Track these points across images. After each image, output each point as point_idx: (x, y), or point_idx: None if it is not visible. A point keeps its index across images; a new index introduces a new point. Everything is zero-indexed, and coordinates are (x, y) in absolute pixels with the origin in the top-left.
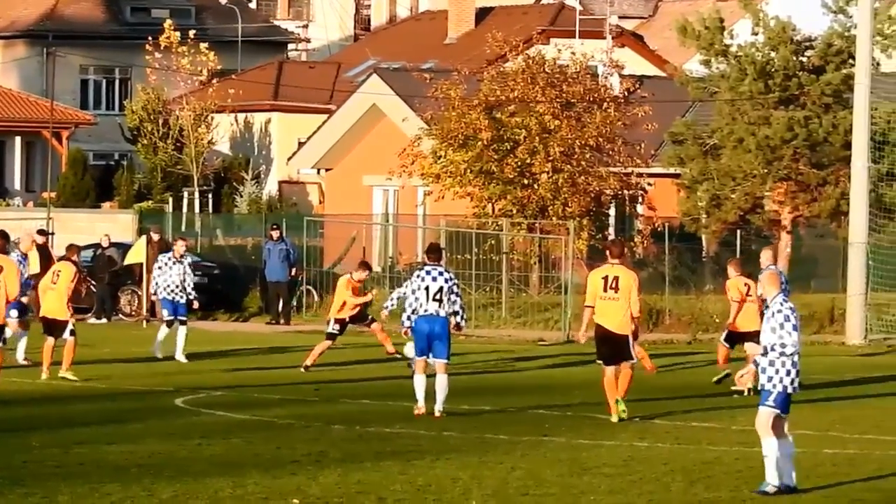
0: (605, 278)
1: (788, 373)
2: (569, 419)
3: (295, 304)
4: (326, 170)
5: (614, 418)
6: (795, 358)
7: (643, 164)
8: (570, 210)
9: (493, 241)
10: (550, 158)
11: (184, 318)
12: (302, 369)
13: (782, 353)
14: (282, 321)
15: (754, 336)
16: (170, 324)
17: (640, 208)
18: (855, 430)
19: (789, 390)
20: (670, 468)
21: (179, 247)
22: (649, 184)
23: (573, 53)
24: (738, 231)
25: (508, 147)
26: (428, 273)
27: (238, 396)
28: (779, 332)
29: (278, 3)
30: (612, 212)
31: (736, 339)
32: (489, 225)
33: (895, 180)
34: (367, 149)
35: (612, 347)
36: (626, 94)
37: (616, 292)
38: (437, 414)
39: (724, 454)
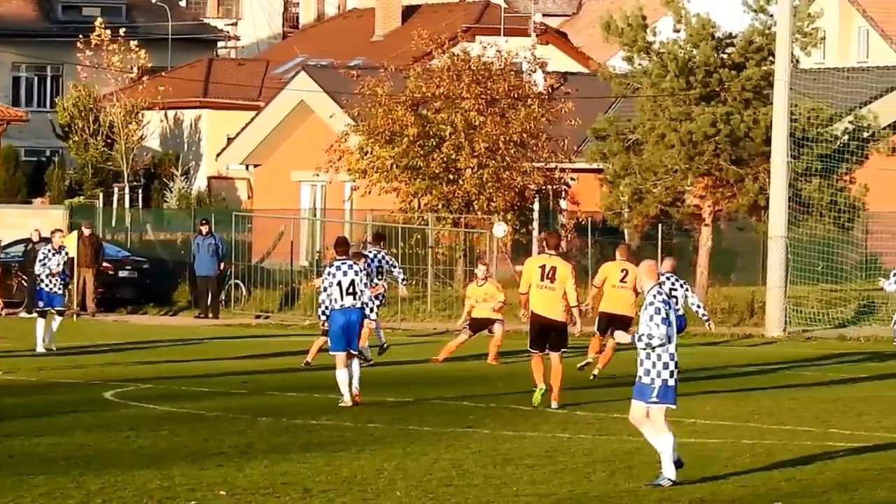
0: (542, 267)
1: (666, 365)
2: (492, 411)
3: (223, 298)
4: (255, 165)
5: (542, 386)
6: (671, 349)
7: (566, 159)
8: (494, 205)
9: (418, 236)
10: (475, 154)
11: (61, 310)
12: (303, 364)
13: (648, 345)
14: (210, 315)
15: (626, 320)
16: (43, 314)
17: (563, 203)
18: (773, 421)
19: (670, 383)
20: (592, 459)
21: (57, 238)
22: (572, 179)
23: (498, 51)
24: (660, 225)
25: (434, 143)
26: (338, 268)
27: (166, 389)
28: (648, 323)
29: (208, 1)
30: (535, 206)
31: (607, 323)
32: (415, 220)
33: (814, 176)
34: (295, 145)
35: (547, 336)
36: (549, 90)
37: (552, 282)
38: (355, 392)
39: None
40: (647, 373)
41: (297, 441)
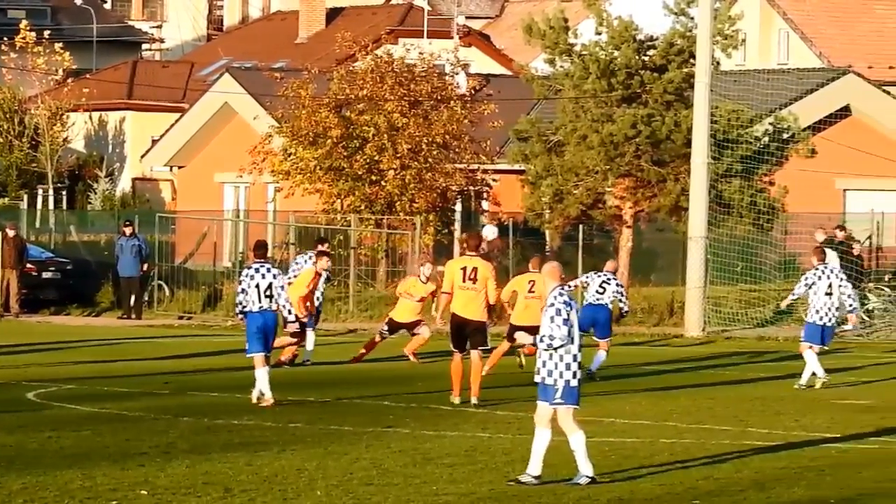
0: (464, 269)
1: (568, 366)
2: (412, 410)
3: (146, 298)
4: (179, 167)
5: (456, 400)
6: (574, 350)
7: (488, 160)
8: (416, 206)
9: (341, 237)
10: (398, 155)
11: None
12: (286, 365)
13: (550, 346)
14: (133, 316)
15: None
16: None
17: (485, 204)
18: (691, 420)
19: (573, 383)
20: (511, 458)
21: None
22: (494, 180)
23: (421, 53)
24: (581, 226)
25: (357, 144)
26: (257, 270)
27: (89, 389)
28: (549, 325)
29: (133, 3)
30: (458, 207)
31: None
32: (338, 221)
33: (734, 177)
34: (218, 146)
35: (466, 334)
36: (472, 92)
37: (474, 283)
38: (254, 401)
39: (563, 443)
40: (550, 373)
41: (218, 441)
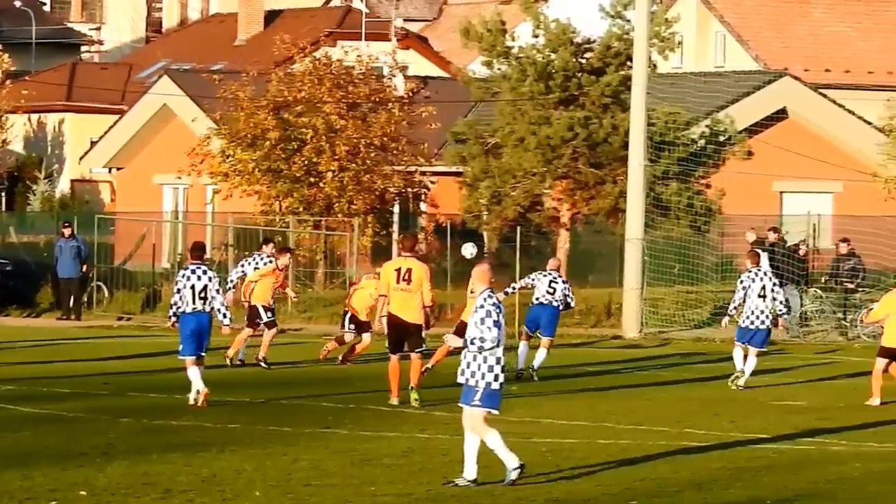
0: (398, 270)
1: (491, 368)
2: (351, 411)
3: (86, 299)
4: (118, 169)
5: (394, 401)
6: (499, 353)
7: (426, 162)
8: (355, 207)
9: (279, 238)
10: (336, 157)
11: None
12: (263, 365)
13: (481, 348)
14: (73, 316)
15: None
16: None
17: (423, 206)
18: (629, 421)
19: (494, 386)
20: (449, 459)
21: None
22: (432, 182)
23: (359, 55)
24: (518, 227)
25: (295, 146)
26: (193, 272)
27: (28, 390)
28: (479, 326)
29: (72, 5)
30: (396, 209)
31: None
32: (276, 222)
33: (672, 179)
34: (157, 148)
35: (403, 336)
36: (410, 94)
37: (409, 283)
38: (191, 402)
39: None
40: (473, 375)
41: (157, 441)
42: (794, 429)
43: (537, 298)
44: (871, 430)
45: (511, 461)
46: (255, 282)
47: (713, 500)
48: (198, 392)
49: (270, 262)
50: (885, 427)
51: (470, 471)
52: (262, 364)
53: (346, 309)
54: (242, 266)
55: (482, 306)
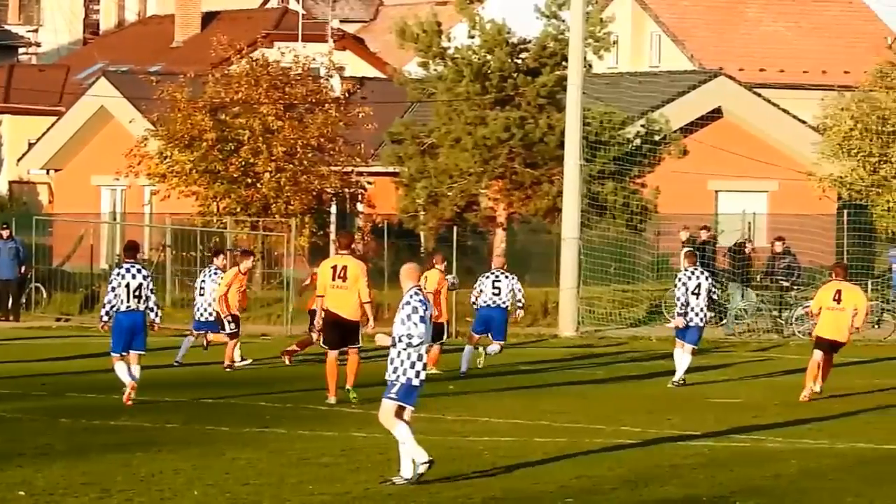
0: (335, 268)
1: (413, 365)
2: (289, 410)
3: (24, 300)
4: (56, 170)
5: (332, 400)
6: (423, 350)
7: (363, 162)
8: (292, 208)
9: (217, 239)
10: (273, 158)
11: None
12: (226, 369)
13: (409, 345)
14: (11, 318)
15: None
16: None
17: (360, 206)
18: (565, 419)
19: (414, 382)
20: (387, 457)
21: None
22: (369, 182)
23: (296, 56)
24: (455, 227)
25: (232, 147)
26: (128, 271)
27: None
28: (406, 323)
29: (9, 7)
30: (333, 209)
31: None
32: (213, 223)
33: (607, 178)
34: (95, 149)
35: (340, 333)
36: (346, 95)
37: (344, 281)
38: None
39: (438, 443)
40: (395, 371)
41: (95, 442)
42: (730, 426)
43: (485, 301)
44: (807, 426)
45: (420, 456)
46: (227, 293)
47: (649, 498)
48: (124, 386)
49: (217, 273)
50: (820, 423)
51: (424, 455)
52: (228, 368)
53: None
54: (206, 287)
55: (408, 303)
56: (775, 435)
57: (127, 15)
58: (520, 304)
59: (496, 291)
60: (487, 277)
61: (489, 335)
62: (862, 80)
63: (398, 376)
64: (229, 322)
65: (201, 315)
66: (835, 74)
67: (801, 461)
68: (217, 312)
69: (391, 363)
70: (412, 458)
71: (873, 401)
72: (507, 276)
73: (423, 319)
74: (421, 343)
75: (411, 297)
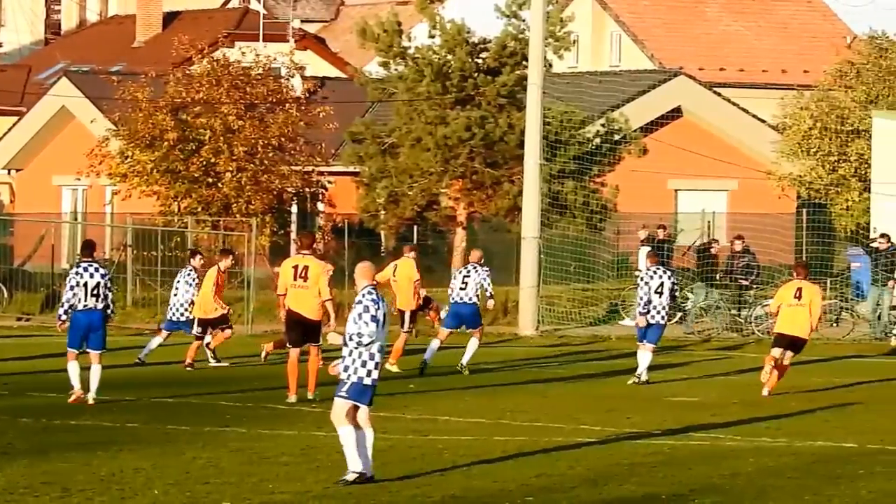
0: (296, 267)
1: (364, 364)
2: (249, 410)
3: None
4: (17, 170)
5: (292, 398)
6: (374, 349)
7: (324, 162)
8: (253, 207)
9: (178, 239)
10: (234, 158)
11: None
12: (186, 368)
13: (359, 343)
14: None
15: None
16: None
17: (320, 205)
18: (525, 418)
19: (366, 381)
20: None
21: None
22: (330, 182)
23: (257, 56)
24: (415, 226)
25: (194, 147)
26: (85, 270)
27: None
28: (357, 321)
29: None
30: (294, 209)
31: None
32: (175, 222)
33: (567, 178)
34: (56, 149)
35: (302, 332)
36: (307, 94)
37: (305, 281)
38: (90, 402)
39: (399, 442)
40: (346, 369)
41: (56, 441)
42: (689, 424)
43: (456, 297)
44: (765, 425)
45: (353, 465)
46: (215, 287)
47: (608, 496)
48: (72, 387)
49: (190, 273)
50: (778, 422)
51: (358, 465)
52: (189, 368)
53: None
54: (189, 288)
55: (360, 302)
56: (734, 433)
57: (88, 15)
58: (488, 295)
59: (463, 286)
60: (460, 272)
61: (463, 329)
62: (821, 79)
63: (349, 375)
64: (199, 324)
65: (174, 315)
66: (794, 74)
67: (759, 459)
68: (188, 313)
69: (342, 361)
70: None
71: (831, 399)
72: (477, 271)
73: (374, 319)
74: (372, 342)
75: (364, 295)
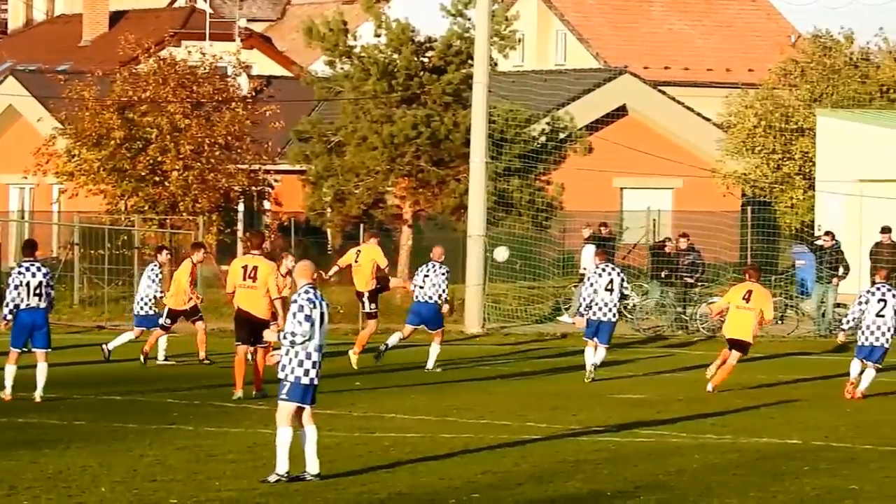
0: (245, 267)
1: (301, 363)
2: (195, 408)
3: None
4: None
5: (238, 394)
6: (310, 349)
7: (270, 161)
8: (199, 206)
9: (125, 237)
10: (181, 156)
11: None
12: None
13: (293, 342)
14: None
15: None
16: None
17: (267, 204)
18: (471, 416)
19: (304, 381)
20: (293, 453)
21: None
22: (276, 180)
23: (203, 55)
24: (361, 224)
25: (140, 146)
26: (27, 269)
27: None
28: (292, 321)
29: None
30: (240, 207)
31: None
32: (122, 221)
33: (513, 176)
34: (3, 148)
35: (250, 330)
36: (254, 93)
37: (254, 281)
38: (37, 400)
39: (346, 439)
40: (283, 369)
41: (2, 439)
42: (635, 421)
43: (417, 295)
44: (710, 422)
45: (281, 466)
46: (189, 281)
47: (554, 493)
48: (3, 387)
49: (154, 269)
50: (724, 419)
51: (285, 467)
52: (144, 361)
53: None
54: (151, 283)
55: (295, 301)
56: (679, 430)
57: (35, 14)
58: (443, 300)
59: (422, 286)
60: (421, 271)
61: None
62: (766, 77)
63: (286, 375)
64: (167, 316)
65: (139, 310)
66: (739, 72)
67: (704, 456)
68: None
69: (280, 361)
70: (309, 457)
71: (776, 395)
72: (436, 270)
73: (308, 318)
74: (305, 342)
75: (300, 295)
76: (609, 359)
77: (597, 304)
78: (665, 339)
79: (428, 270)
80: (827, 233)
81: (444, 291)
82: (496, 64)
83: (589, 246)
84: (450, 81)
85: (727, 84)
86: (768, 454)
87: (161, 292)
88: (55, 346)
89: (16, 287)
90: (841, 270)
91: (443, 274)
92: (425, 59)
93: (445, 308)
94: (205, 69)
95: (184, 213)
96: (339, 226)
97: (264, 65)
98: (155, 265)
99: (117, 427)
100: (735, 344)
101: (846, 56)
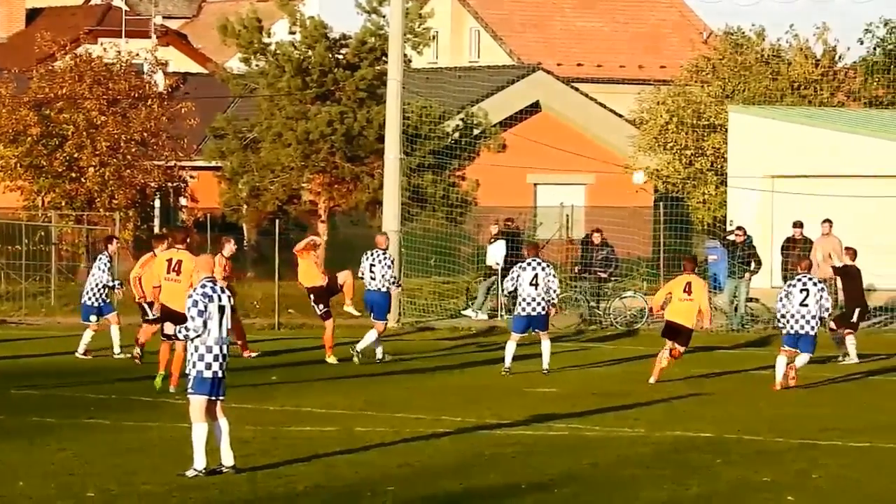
0: (170, 261)
1: (202, 357)
2: (114, 401)
3: None
4: None
5: (162, 372)
6: (210, 342)
7: (186, 157)
8: (116, 202)
9: (42, 233)
10: (97, 153)
11: None
12: (136, 354)
13: (186, 336)
14: None
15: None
16: None
17: (183, 200)
18: (387, 410)
19: (206, 375)
20: (211, 447)
21: None
22: (192, 176)
23: (119, 52)
24: (277, 220)
25: (57, 142)
26: None
27: None
28: (188, 315)
29: None
30: (157, 203)
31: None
32: (38, 217)
33: (427, 171)
34: None
35: (174, 324)
36: (169, 90)
37: (178, 275)
38: None
39: (261, 433)
40: (187, 362)
41: None
42: (549, 414)
43: (367, 285)
44: (623, 415)
45: (199, 462)
46: (140, 277)
47: (470, 486)
48: None
49: (102, 258)
50: (638, 412)
51: (202, 463)
52: (141, 355)
53: None
54: (103, 273)
55: (191, 296)
56: (593, 423)
57: None
58: (393, 283)
59: (372, 276)
60: (367, 259)
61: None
62: (677, 74)
63: (189, 369)
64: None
65: (88, 299)
66: (651, 69)
67: (618, 449)
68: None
69: (185, 356)
70: (223, 452)
71: (689, 389)
72: (381, 260)
73: (200, 313)
74: (199, 335)
75: (196, 289)
76: (522, 353)
77: (524, 300)
78: (580, 333)
79: (374, 259)
80: (739, 228)
81: (394, 278)
82: (410, 61)
83: (500, 241)
84: (363, 78)
85: (640, 81)
86: (682, 447)
87: (112, 281)
88: None
89: None
90: (753, 265)
91: (389, 260)
92: (339, 56)
93: (395, 290)
94: (121, 66)
95: (101, 210)
96: (255, 222)
97: (180, 62)
98: (104, 255)
99: (36, 420)
100: (676, 330)
101: (757, 53)
